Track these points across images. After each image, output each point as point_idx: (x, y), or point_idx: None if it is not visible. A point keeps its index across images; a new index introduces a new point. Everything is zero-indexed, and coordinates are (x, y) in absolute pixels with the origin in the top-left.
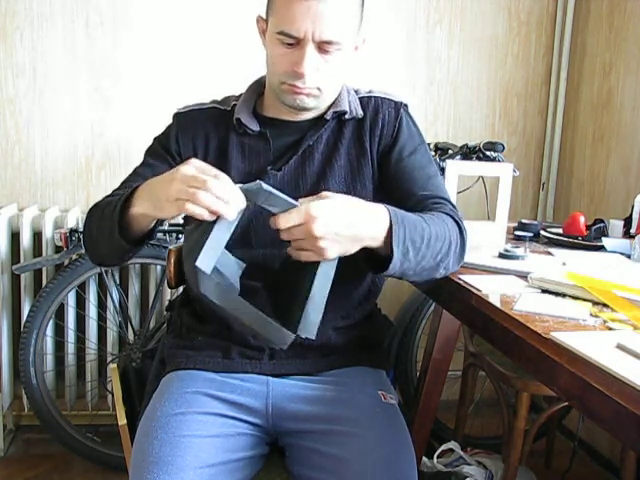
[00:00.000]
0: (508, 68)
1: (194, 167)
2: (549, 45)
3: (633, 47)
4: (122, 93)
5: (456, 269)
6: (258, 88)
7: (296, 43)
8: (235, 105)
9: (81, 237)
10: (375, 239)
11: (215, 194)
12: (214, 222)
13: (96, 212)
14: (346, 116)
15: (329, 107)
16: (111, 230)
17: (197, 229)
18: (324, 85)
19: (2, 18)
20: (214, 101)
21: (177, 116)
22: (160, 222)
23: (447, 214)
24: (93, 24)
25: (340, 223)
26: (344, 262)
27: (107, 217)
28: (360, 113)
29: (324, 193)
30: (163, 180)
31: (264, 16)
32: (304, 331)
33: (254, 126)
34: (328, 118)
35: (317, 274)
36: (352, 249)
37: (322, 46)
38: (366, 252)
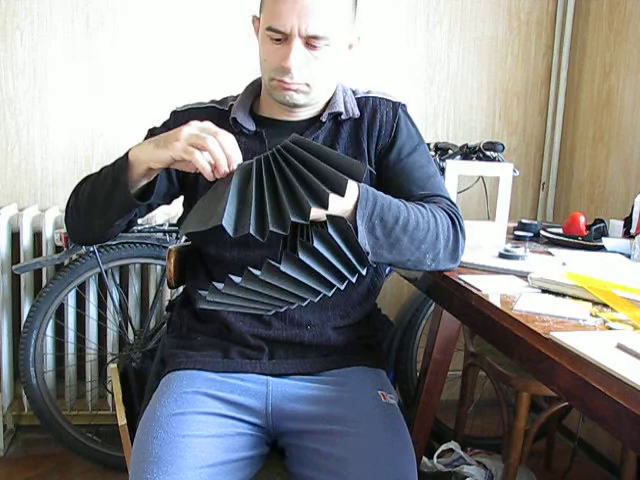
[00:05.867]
0: (508, 68)
1: (196, 126)
2: (549, 45)
3: (633, 47)
4: (122, 93)
5: (452, 266)
6: (255, 88)
7: (284, 39)
8: (232, 105)
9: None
10: (344, 210)
11: (222, 144)
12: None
13: (90, 179)
14: (342, 116)
15: (324, 108)
16: (113, 184)
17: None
18: (313, 81)
19: (2, 18)
20: (213, 101)
21: (175, 114)
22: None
23: (442, 209)
24: (93, 24)
25: None
26: None
27: (106, 176)
28: (357, 113)
29: None
30: (169, 133)
31: (259, 15)
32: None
33: (250, 126)
34: (324, 120)
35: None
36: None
37: (309, 41)
38: None
